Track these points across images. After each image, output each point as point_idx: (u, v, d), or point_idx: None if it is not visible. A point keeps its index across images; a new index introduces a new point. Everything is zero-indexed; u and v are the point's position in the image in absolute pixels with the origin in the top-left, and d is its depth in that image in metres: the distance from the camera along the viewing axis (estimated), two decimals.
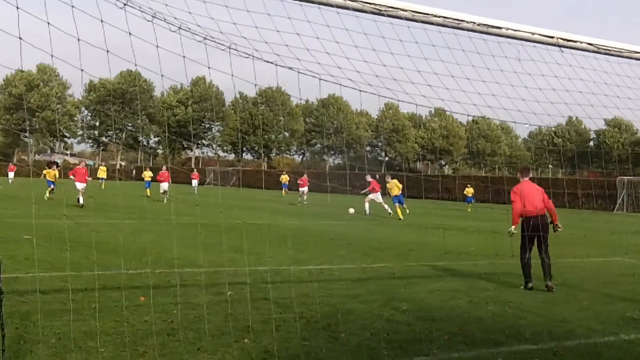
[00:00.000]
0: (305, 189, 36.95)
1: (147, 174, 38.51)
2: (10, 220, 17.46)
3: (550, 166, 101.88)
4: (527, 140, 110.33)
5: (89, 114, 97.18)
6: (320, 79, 7.14)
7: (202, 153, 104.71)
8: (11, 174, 51.25)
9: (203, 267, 10.93)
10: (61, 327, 6.71)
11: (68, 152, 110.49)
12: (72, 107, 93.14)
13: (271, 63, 6.94)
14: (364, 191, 29.78)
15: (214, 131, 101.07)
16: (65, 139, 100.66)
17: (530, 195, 10.49)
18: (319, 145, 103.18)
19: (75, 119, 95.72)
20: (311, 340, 6.60)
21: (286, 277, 10.64)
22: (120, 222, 19.56)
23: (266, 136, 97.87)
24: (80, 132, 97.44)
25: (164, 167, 35.48)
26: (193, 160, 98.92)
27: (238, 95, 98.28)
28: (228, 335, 6.60)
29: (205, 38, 6.93)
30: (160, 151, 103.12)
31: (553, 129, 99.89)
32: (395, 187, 27.44)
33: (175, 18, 6.65)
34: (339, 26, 6.67)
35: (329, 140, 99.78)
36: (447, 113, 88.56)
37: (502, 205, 35.16)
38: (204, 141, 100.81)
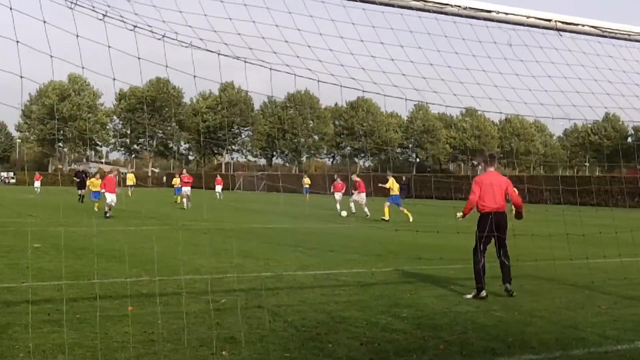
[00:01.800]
0: (339, 194, 32.06)
1: (177, 181, 38.40)
2: (25, 229, 17.43)
3: (586, 164, 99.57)
4: (562, 138, 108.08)
5: (120, 122, 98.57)
6: (341, 86, 6.78)
7: (232, 158, 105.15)
8: (37, 183, 51.77)
9: (206, 274, 10.60)
10: (36, 339, 6.43)
11: (103, 161, 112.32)
12: (104, 116, 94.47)
13: (290, 73, 6.62)
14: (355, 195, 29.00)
15: (243, 136, 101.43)
16: (98, 147, 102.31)
17: (490, 188, 9.34)
18: (348, 148, 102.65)
19: (108, 127, 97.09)
20: (294, 351, 6.19)
21: (288, 283, 10.26)
22: (138, 229, 19.44)
23: (295, 140, 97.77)
24: (113, 140, 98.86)
25: (184, 171, 35.29)
26: (223, 166, 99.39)
27: (266, 100, 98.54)
28: (207, 347, 6.23)
29: (218, 53, 6.64)
30: (191, 157, 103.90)
31: (590, 125, 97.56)
32: (392, 186, 26.19)
33: (190, 27, 6.41)
34: (365, 23, 6.35)
35: (359, 143, 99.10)
36: (479, 112, 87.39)
37: (537, 205, 34.18)
38: (234, 146, 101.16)
